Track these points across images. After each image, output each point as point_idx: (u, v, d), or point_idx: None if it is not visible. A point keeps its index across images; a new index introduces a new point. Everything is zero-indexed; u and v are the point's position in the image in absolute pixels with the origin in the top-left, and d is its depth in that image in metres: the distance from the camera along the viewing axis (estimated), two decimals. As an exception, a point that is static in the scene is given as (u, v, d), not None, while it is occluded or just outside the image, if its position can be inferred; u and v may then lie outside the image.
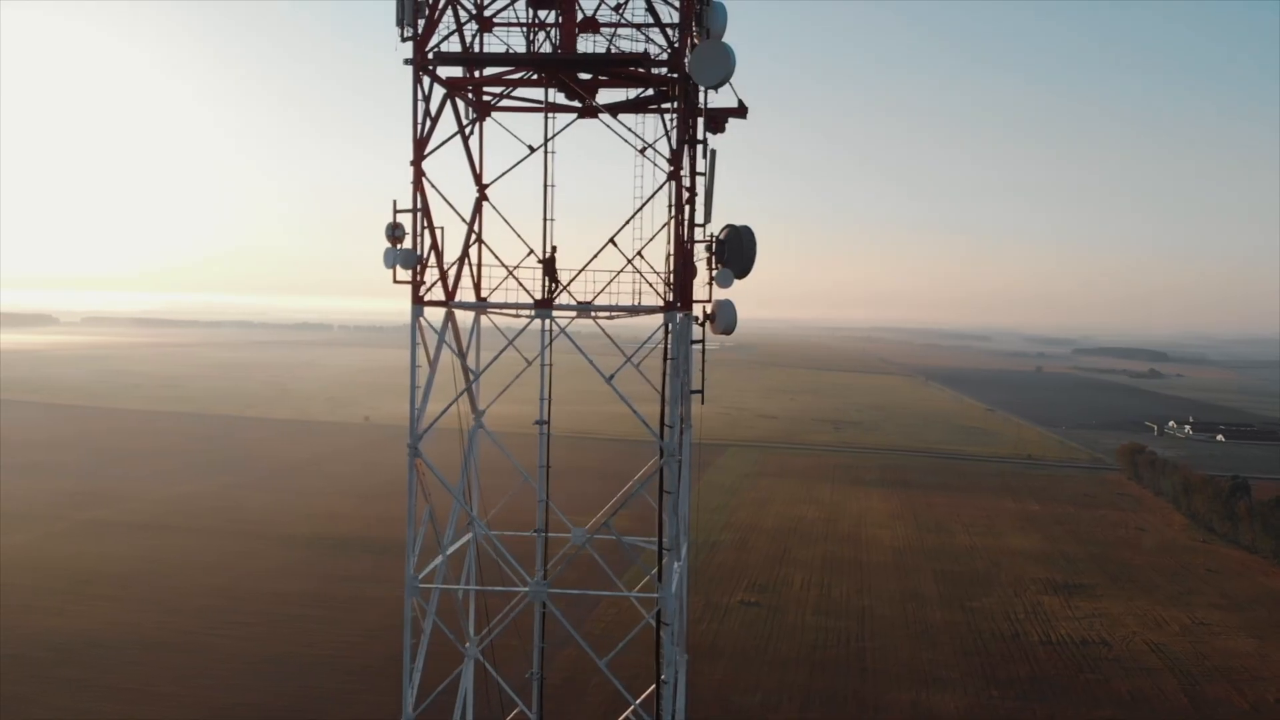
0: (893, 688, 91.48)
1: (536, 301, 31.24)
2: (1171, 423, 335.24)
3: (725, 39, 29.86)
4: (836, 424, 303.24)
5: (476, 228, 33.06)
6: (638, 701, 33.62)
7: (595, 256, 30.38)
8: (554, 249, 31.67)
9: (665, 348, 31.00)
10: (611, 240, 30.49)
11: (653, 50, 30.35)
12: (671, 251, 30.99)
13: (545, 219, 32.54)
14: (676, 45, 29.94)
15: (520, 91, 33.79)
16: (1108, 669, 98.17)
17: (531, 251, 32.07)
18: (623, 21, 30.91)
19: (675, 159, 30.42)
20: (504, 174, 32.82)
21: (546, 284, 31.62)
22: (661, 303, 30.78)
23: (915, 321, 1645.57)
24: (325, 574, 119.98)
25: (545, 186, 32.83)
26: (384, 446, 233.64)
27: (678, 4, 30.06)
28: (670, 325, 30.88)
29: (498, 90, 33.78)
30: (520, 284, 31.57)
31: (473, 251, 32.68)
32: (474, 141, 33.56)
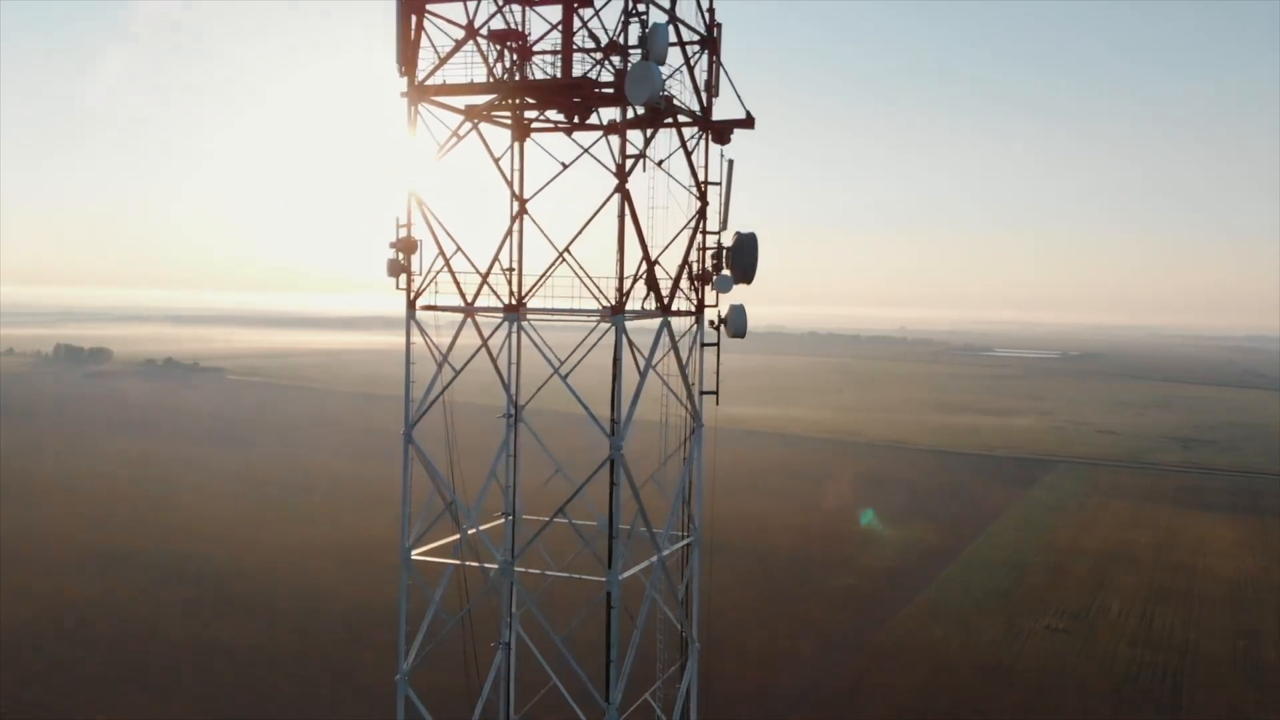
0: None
1: (505, 306, 34.87)
2: None
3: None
4: (1186, 442, 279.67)
5: (517, 239, 37.22)
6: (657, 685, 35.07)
7: (553, 265, 33.64)
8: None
9: (616, 351, 33.16)
10: (566, 249, 33.52)
11: (602, 75, 33.09)
12: (616, 259, 32.99)
13: (512, 230, 36.47)
14: (619, 68, 32.41)
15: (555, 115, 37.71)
16: None
17: (559, 260, 34.77)
18: (578, 47, 33.83)
19: (620, 173, 32.35)
20: (541, 189, 37.08)
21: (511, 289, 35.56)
22: (604, 307, 33.30)
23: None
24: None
25: (511, 201, 37.07)
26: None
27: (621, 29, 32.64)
28: (619, 329, 33.11)
29: (533, 114, 37.68)
30: (483, 283, 35.08)
31: (506, 258, 36.55)
32: (515, 160, 37.85)
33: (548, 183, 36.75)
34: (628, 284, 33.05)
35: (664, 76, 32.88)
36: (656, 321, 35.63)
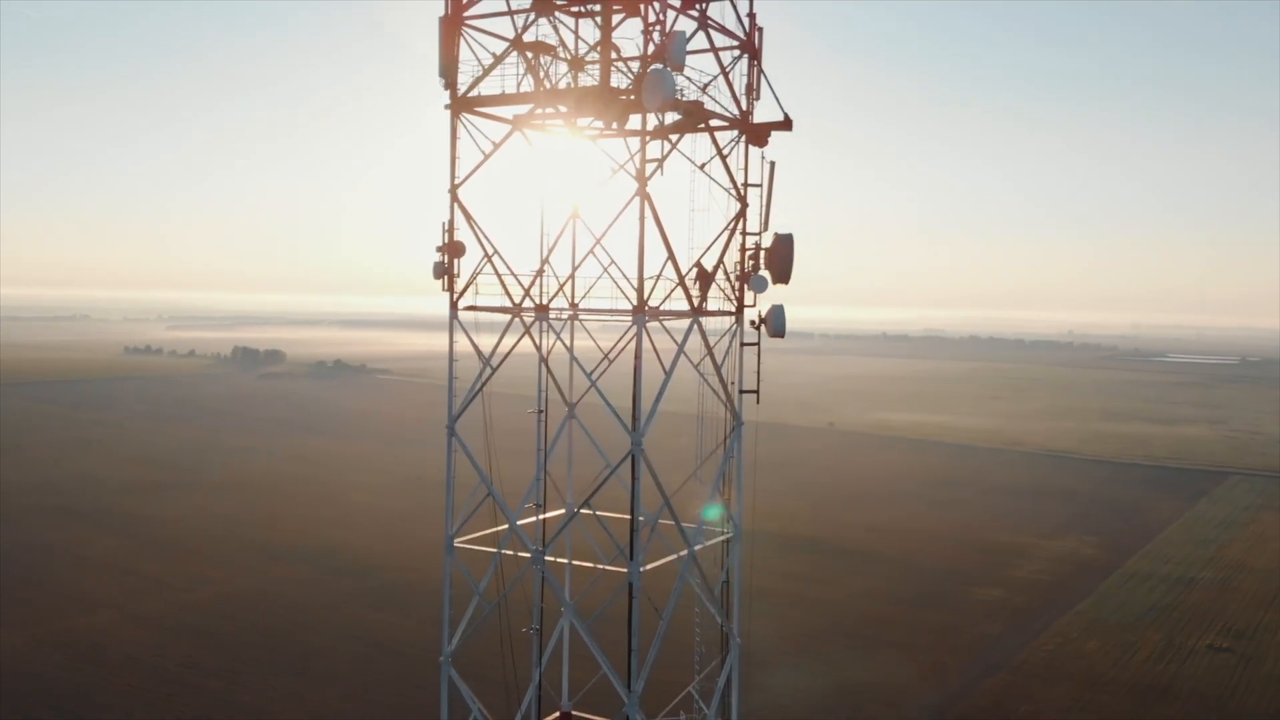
0: (1384, 760, 79.84)
1: (536, 306, 36.16)
2: None
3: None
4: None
5: (571, 237, 38.54)
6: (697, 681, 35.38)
7: (579, 264, 35.56)
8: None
9: (638, 349, 34.01)
10: (591, 252, 34.98)
11: (624, 85, 34.02)
12: (639, 260, 33.69)
13: (560, 233, 37.33)
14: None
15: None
16: None
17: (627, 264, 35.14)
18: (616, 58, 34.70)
19: (640, 177, 33.07)
20: (589, 194, 37.82)
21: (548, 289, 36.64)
22: (632, 307, 34.03)
23: None
24: (768, 569, 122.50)
25: (542, 206, 38.99)
26: (844, 451, 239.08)
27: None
28: (640, 328, 33.82)
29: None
30: (525, 290, 36.48)
31: (557, 261, 37.73)
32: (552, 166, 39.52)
33: (598, 186, 37.68)
34: (649, 285, 33.94)
35: (703, 84, 33.97)
36: (701, 322, 36.58)
